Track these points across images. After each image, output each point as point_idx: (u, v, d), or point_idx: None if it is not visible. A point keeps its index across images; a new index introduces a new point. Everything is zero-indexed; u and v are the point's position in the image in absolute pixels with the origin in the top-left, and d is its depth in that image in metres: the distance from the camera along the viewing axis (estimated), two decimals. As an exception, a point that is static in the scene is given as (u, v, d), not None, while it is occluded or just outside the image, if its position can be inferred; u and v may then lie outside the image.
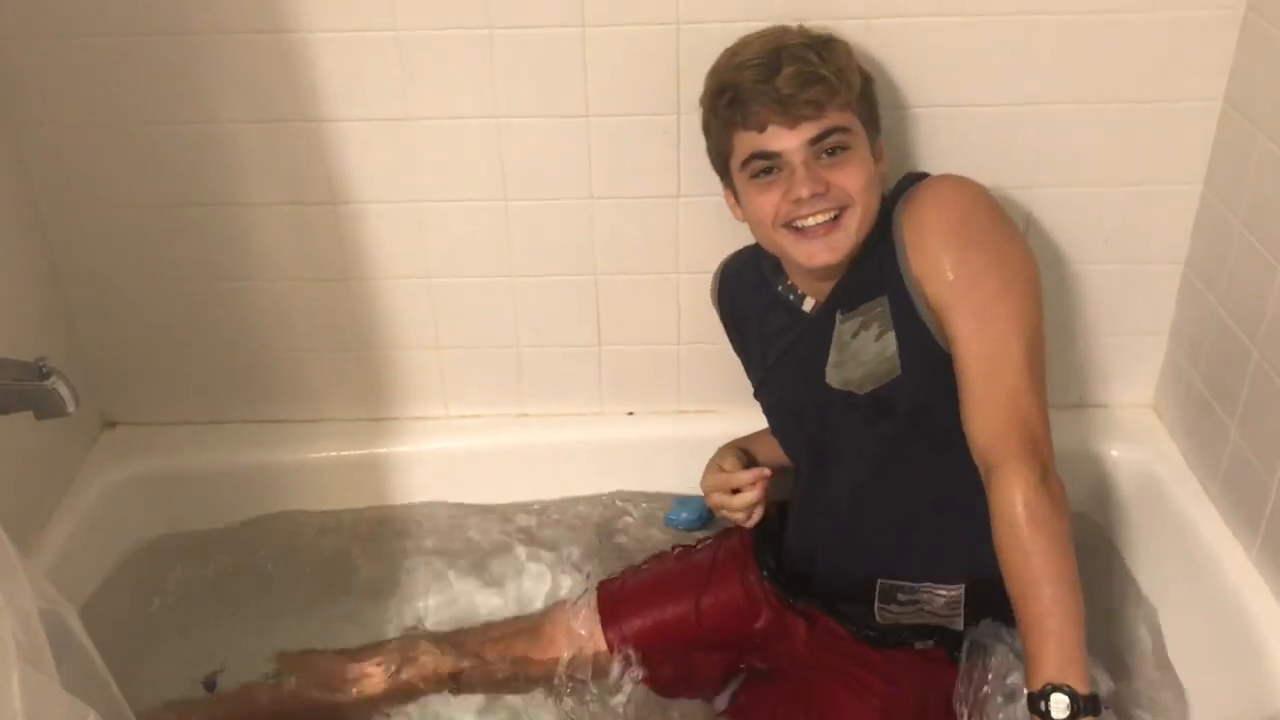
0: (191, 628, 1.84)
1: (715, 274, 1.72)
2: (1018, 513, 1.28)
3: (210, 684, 1.68)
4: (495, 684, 1.70)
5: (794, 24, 1.50)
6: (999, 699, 1.46)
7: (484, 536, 1.96)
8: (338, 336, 1.88)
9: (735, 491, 1.63)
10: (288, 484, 1.95)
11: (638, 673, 1.65)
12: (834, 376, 1.46)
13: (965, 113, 1.66)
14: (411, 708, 1.70)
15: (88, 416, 1.93)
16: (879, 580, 1.51)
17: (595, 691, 1.67)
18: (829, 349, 1.47)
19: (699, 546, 1.77)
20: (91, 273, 1.83)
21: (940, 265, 1.36)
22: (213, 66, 1.65)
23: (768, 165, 1.40)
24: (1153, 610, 1.69)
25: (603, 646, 1.66)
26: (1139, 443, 1.82)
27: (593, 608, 1.69)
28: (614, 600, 1.69)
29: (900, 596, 1.50)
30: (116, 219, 1.78)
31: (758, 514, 1.63)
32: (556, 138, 1.70)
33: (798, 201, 1.38)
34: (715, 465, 1.71)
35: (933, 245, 1.37)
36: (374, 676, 1.68)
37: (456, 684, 1.70)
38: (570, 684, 1.67)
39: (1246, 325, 1.57)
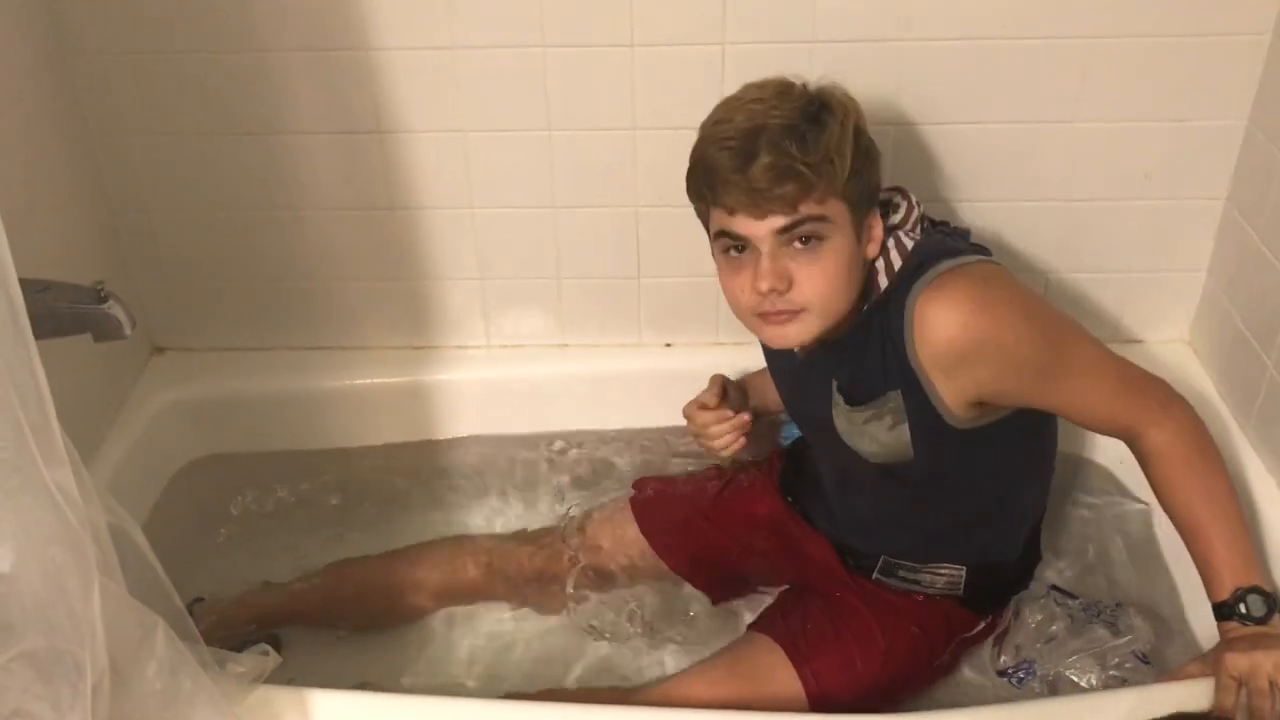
0: (233, 549, 1.88)
1: None
2: (1177, 450, 1.35)
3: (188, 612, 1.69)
4: (530, 592, 1.74)
5: (799, 82, 1.35)
6: (1038, 645, 1.54)
7: (522, 465, 1.99)
8: (382, 265, 1.91)
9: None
10: (331, 411, 1.98)
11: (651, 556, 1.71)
12: (843, 435, 1.45)
13: (1004, 45, 1.65)
14: (447, 611, 1.75)
15: (137, 342, 1.97)
16: (883, 556, 1.56)
17: (620, 589, 1.72)
18: (830, 406, 1.45)
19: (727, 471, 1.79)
20: (141, 200, 1.85)
21: (995, 377, 1.32)
22: (262, -5, 1.66)
23: (737, 244, 1.33)
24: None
25: (641, 549, 1.71)
26: (1173, 377, 1.79)
27: (627, 513, 1.73)
28: (646, 505, 1.74)
29: (901, 574, 1.55)
30: (166, 147, 1.80)
31: (735, 448, 1.58)
32: (601, 67, 1.70)
33: (757, 291, 1.31)
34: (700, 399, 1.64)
35: (971, 366, 1.31)
36: (414, 579, 1.72)
37: (493, 590, 1.74)
38: (599, 582, 1.72)
39: (1288, 261, 1.57)
